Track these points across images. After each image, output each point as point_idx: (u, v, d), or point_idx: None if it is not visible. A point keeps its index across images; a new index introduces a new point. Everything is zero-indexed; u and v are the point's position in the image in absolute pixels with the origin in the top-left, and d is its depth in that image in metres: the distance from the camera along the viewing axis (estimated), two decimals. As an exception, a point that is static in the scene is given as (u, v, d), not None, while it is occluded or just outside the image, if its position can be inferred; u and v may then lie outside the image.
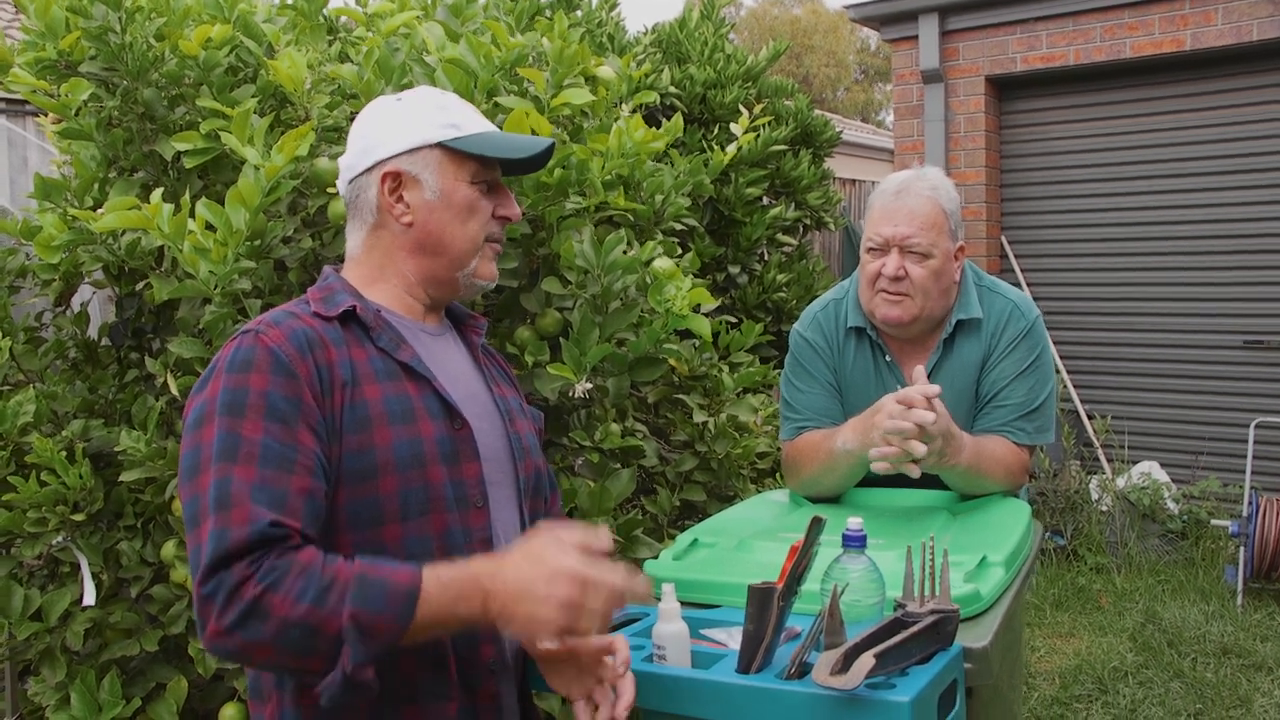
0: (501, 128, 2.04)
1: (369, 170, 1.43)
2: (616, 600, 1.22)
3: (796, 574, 1.32)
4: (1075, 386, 6.05)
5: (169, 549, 2.13)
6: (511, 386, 1.62)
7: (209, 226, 1.89)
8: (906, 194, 2.08)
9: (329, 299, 1.39)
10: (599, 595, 1.20)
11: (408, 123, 1.42)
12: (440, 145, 1.41)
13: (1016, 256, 6.28)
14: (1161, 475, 5.57)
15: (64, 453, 2.07)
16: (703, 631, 1.48)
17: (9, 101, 4.25)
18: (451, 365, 1.47)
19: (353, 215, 1.47)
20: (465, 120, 1.44)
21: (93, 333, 2.51)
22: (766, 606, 1.29)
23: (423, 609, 1.17)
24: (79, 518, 2.09)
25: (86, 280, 2.43)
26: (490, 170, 1.46)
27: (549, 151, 1.50)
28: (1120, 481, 5.54)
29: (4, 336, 2.16)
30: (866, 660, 1.17)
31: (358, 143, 1.45)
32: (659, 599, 1.41)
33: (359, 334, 1.37)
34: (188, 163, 2.09)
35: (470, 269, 1.46)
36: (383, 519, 1.30)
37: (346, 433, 1.29)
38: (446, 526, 1.34)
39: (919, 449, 1.81)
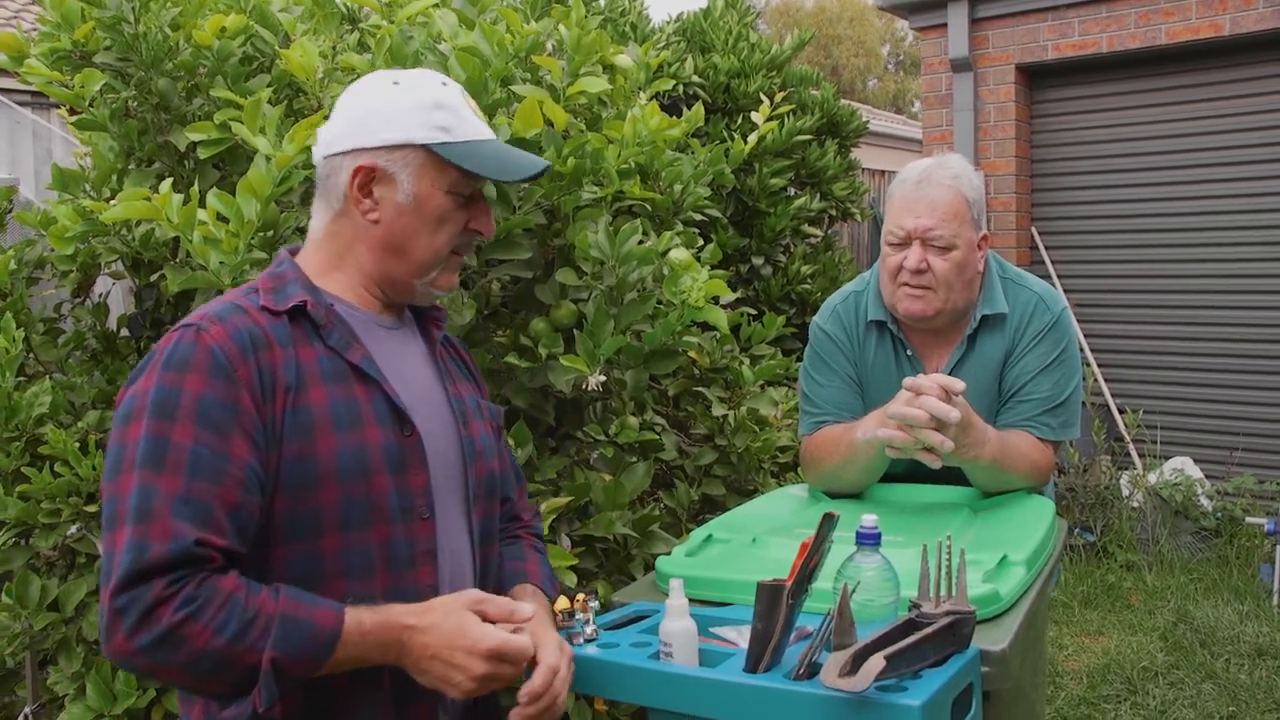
0: (514, 117, 2.02)
1: (345, 154, 1.34)
2: (550, 686, 1.28)
3: (807, 571, 1.29)
4: (1106, 380, 5.95)
5: (183, 540, 2.13)
6: (471, 382, 1.55)
7: (220, 217, 1.88)
8: (927, 184, 2.03)
9: (279, 290, 1.32)
10: (513, 668, 1.25)
11: (397, 114, 1.32)
12: (426, 147, 1.33)
13: (1047, 248, 6.18)
14: (1195, 471, 5.47)
15: (78, 443, 2.07)
16: (712, 629, 1.45)
17: (34, 94, 4.30)
18: (405, 364, 1.40)
19: (320, 193, 1.38)
20: (460, 123, 1.35)
21: (112, 324, 2.52)
22: (775, 604, 1.26)
23: (339, 653, 1.18)
24: (93, 509, 2.09)
25: (105, 271, 2.44)
26: (473, 181, 1.37)
27: (544, 171, 1.42)
28: (1152, 477, 5.44)
29: (20, 328, 2.16)
30: (876, 662, 1.14)
31: (341, 118, 1.36)
32: (668, 595, 1.38)
33: (308, 331, 1.30)
34: (202, 153, 2.08)
35: (430, 278, 1.39)
36: (321, 529, 1.25)
37: (287, 439, 1.23)
38: (389, 537, 1.29)
39: (932, 438, 1.77)
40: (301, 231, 2.16)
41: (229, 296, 1.32)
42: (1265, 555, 4.97)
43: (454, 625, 1.23)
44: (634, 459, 2.33)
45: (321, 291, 1.34)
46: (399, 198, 1.33)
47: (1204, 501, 5.31)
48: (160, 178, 2.23)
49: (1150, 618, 4.55)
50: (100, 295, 2.54)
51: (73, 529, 2.17)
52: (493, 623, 1.26)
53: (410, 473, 1.32)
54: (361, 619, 1.20)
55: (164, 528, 1.12)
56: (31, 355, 2.33)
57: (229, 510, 1.17)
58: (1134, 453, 5.78)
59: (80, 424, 2.18)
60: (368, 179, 1.33)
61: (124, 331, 2.50)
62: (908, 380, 1.84)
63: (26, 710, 2.40)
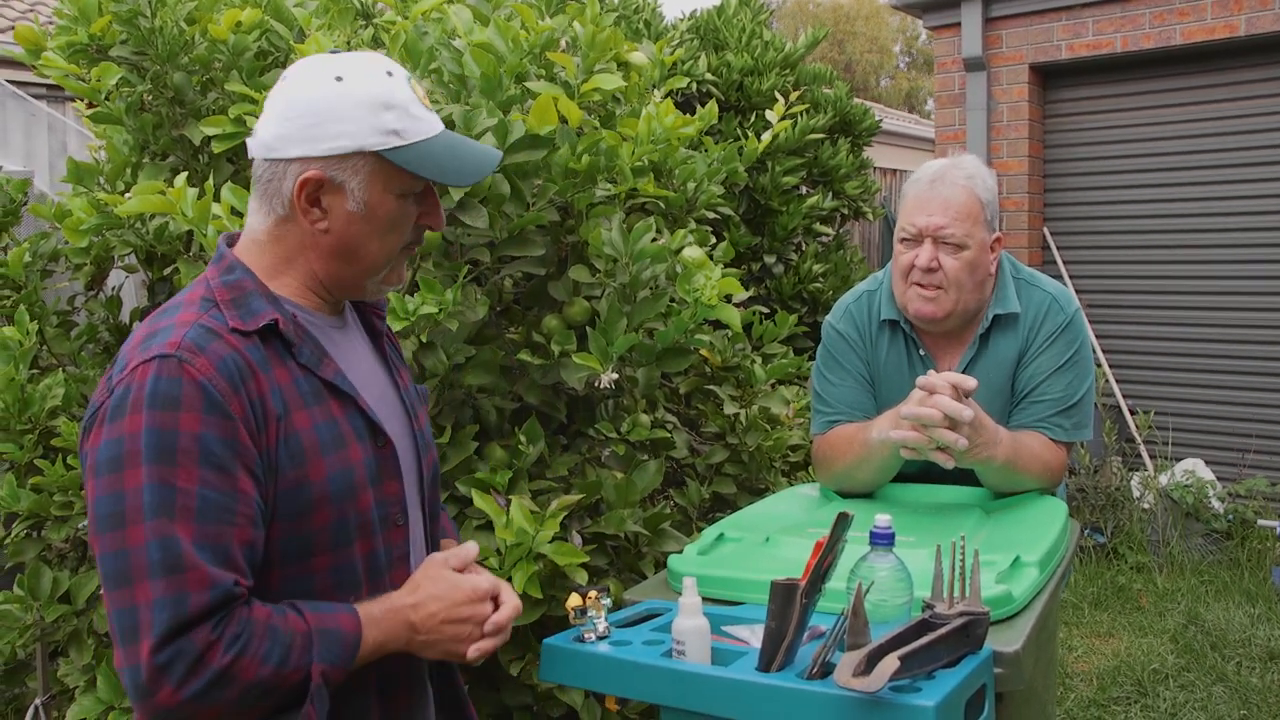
0: (528, 114, 2.01)
1: (289, 161, 1.24)
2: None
3: (821, 570, 1.29)
4: (1118, 381, 5.92)
5: (195, 534, 2.13)
6: (405, 367, 1.51)
7: (234, 211, 1.88)
8: (941, 183, 2.02)
9: (242, 304, 1.23)
10: (508, 617, 1.31)
11: (344, 120, 1.22)
12: (377, 154, 1.24)
13: (1059, 248, 6.15)
14: (1206, 473, 5.44)
15: (92, 436, 2.08)
16: (725, 628, 1.45)
17: (49, 87, 4.31)
18: (361, 366, 1.36)
19: (260, 194, 1.28)
20: (410, 123, 1.26)
21: (124, 317, 2.52)
22: (789, 603, 1.26)
23: (363, 650, 1.21)
24: (106, 501, 2.10)
25: (118, 264, 2.44)
26: (422, 179, 1.29)
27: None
28: (1163, 479, 5.41)
29: (34, 320, 2.17)
30: (890, 663, 1.13)
31: (281, 117, 1.24)
32: (680, 593, 1.38)
33: (279, 350, 1.23)
34: (216, 147, 2.09)
35: (380, 278, 1.33)
36: (313, 550, 1.23)
37: (282, 470, 1.19)
38: (371, 549, 1.29)
39: (946, 436, 1.77)
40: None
41: (189, 315, 1.21)
42: (1277, 558, 4.95)
43: (444, 588, 1.28)
44: (645, 457, 2.33)
45: (281, 300, 1.27)
46: (349, 206, 1.25)
47: (1215, 503, 5.28)
48: (174, 171, 2.24)
49: (1161, 620, 4.53)
50: (113, 289, 2.55)
51: (84, 521, 2.17)
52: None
53: (385, 483, 1.31)
54: (371, 611, 1.23)
55: (200, 576, 1.10)
56: (45, 348, 2.34)
57: (244, 548, 1.15)
58: (1145, 454, 5.76)
59: (93, 417, 2.18)
60: (316, 189, 1.24)
61: (136, 325, 2.51)
62: (921, 379, 1.83)
63: (37, 701, 2.42)
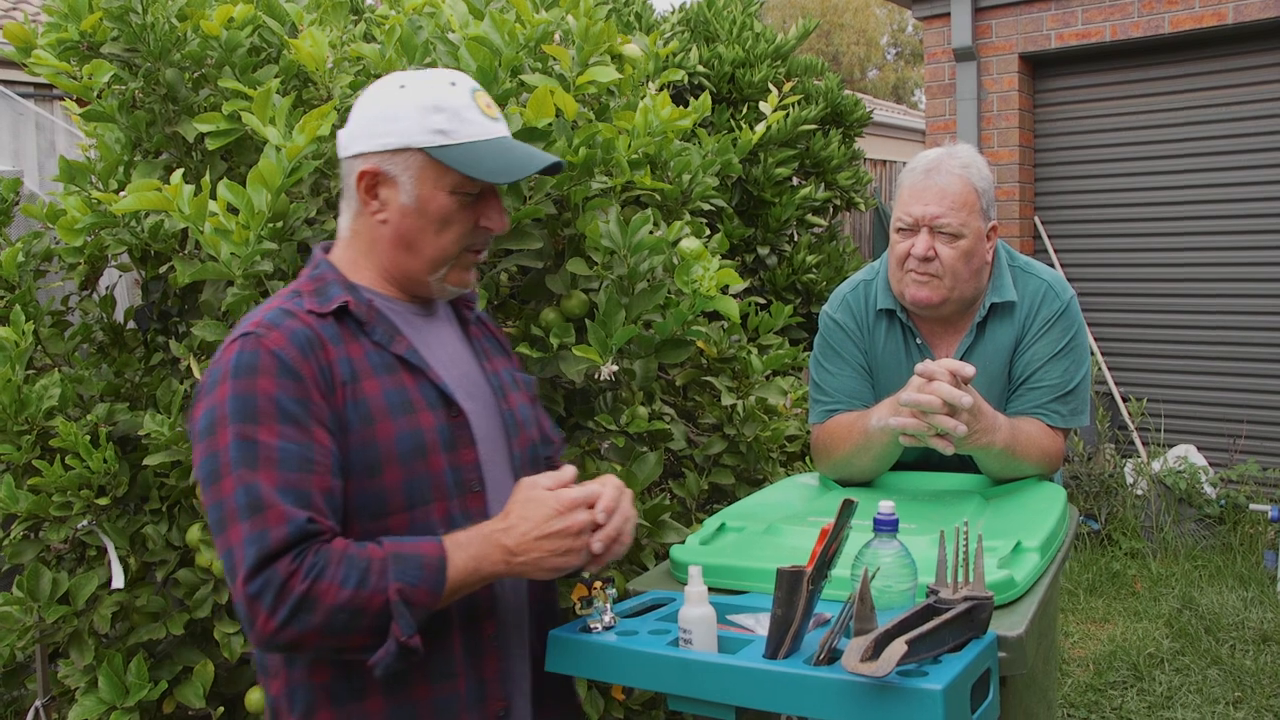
0: (525, 107, 2.01)
1: (354, 157, 1.39)
2: (619, 500, 1.37)
3: (826, 557, 1.29)
4: (1110, 369, 5.95)
5: (194, 533, 2.13)
6: (504, 356, 1.62)
7: (230, 208, 1.88)
8: (937, 172, 2.02)
9: (322, 292, 1.39)
10: (612, 499, 1.35)
11: (398, 118, 1.35)
12: (424, 151, 1.36)
13: (1050, 237, 6.17)
14: (1198, 459, 5.47)
15: (89, 437, 2.07)
16: (730, 617, 1.45)
17: (37, 86, 4.28)
18: (444, 349, 1.47)
19: (344, 194, 1.44)
20: (460, 126, 1.36)
21: (119, 316, 2.51)
22: (796, 590, 1.26)
23: (451, 574, 1.28)
24: (104, 502, 2.09)
25: (112, 264, 2.43)
26: (478, 180, 1.39)
27: (554, 167, 1.44)
28: (1156, 465, 5.44)
29: (29, 320, 2.15)
30: (898, 647, 1.14)
31: (353, 121, 1.41)
32: (685, 583, 1.38)
33: (353, 329, 1.37)
34: (210, 144, 2.08)
35: (441, 274, 1.44)
36: (388, 509, 1.33)
37: (351, 429, 1.32)
38: (448, 512, 1.37)
39: (945, 423, 1.78)
40: (310, 223, 2.16)
41: (275, 303, 1.38)
42: (1269, 542, 4.98)
43: (533, 507, 1.33)
44: (644, 449, 2.33)
45: (359, 288, 1.41)
46: (402, 199, 1.38)
47: (1208, 489, 5.32)
48: (168, 169, 2.23)
49: (1155, 605, 4.56)
50: (107, 288, 2.54)
51: (83, 522, 2.17)
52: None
53: (461, 450, 1.40)
54: (456, 537, 1.31)
55: (278, 514, 1.22)
56: (40, 348, 2.33)
57: (323, 494, 1.27)
58: (1138, 441, 5.79)
59: (89, 417, 2.18)
60: (373, 182, 1.38)
61: (131, 324, 2.50)
62: (919, 366, 1.84)
63: (37, 704, 2.41)
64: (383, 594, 1.23)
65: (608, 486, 1.37)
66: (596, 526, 1.34)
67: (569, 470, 1.40)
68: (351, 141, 1.39)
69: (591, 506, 1.34)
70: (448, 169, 1.36)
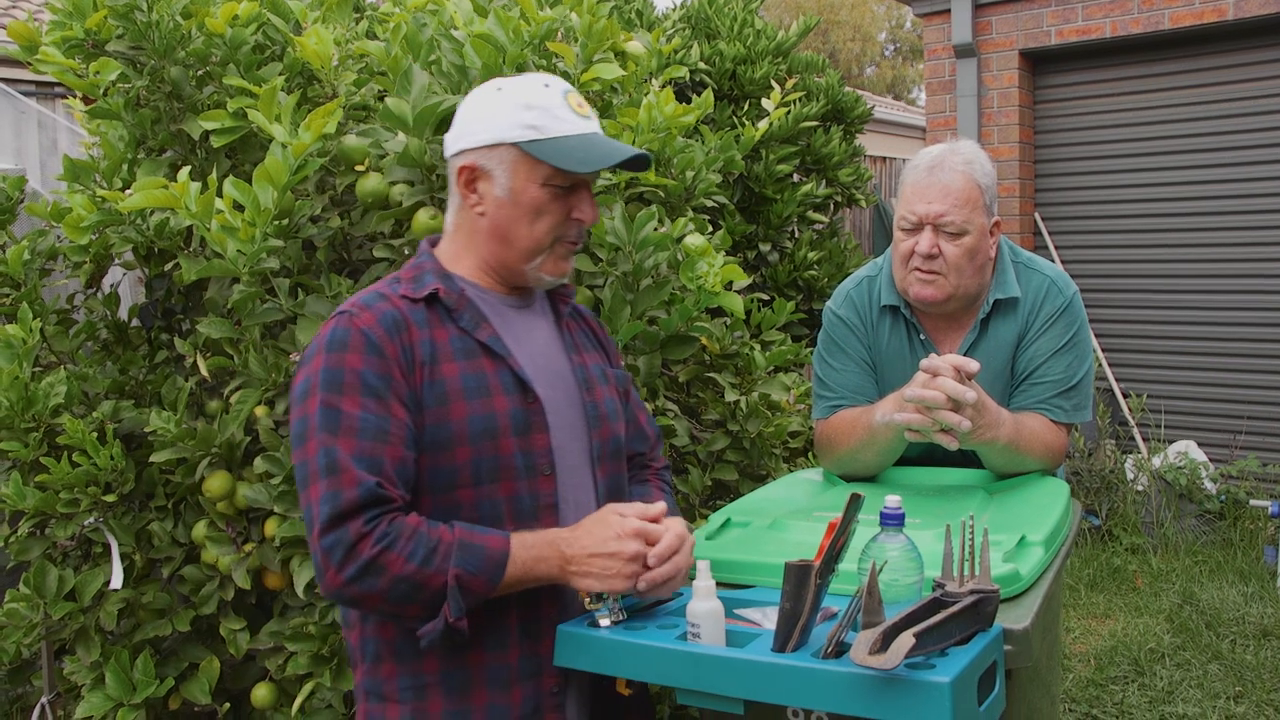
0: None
1: (454, 155, 1.52)
2: (678, 550, 1.44)
3: (834, 551, 1.30)
4: (1111, 364, 5.96)
5: (200, 530, 2.14)
6: (597, 350, 1.71)
7: (236, 205, 1.88)
8: (940, 169, 2.03)
9: (418, 279, 1.51)
10: (669, 546, 1.42)
11: (494, 117, 1.48)
12: (516, 145, 1.47)
13: (1051, 233, 6.18)
14: (1199, 454, 5.48)
15: (95, 434, 2.08)
16: (737, 611, 1.46)
17: (39, 84, 4.27)
18: (532, 339, 1.57)
19: (450, 192, 1.56)
20: (550, 122, 1.47)
21: (123, 314, 2.52)
22: (804, 584, 1.27)
23: (510, 569, 1.38)
24: (110, 498, 2.10)
25: (117, 262, 2.43)
26: (569, 174, 1.49)
27: (637, 160, 1.52)
28: (1156, 461, 5.45)
29: (35, 318, 2.16)
30: (906, 640, 1.14)
31: (456, 124, 1.53)
32: (693, 577, 1.39)
33: (442, 314, 1.49)
34: (215, 142, 2.08)
35: (536, 264, 1.53)
36: (456, 484, 1.44)
37: (427, 407, 1.42)
38: (515, 492, 1.47)
39: (950, 418, 1.78)
40: (315, 220, 2.16)
41: (375, 287, 1.51)
42: (1269, 538, 4.99)
43: (598, 526, 1.43)
44: (649, 445, 2.33)
45: (455, 278, 1.53)
46: (497, 192, 1.49)
47: (1208, 485, 5.32)
48: (173, 166, 2.23)
49: (1156, 600, 4.57)
50: (111, 286, 2.54)
51: (90, 519, 2.17)
52: None
53: (533, 435, 1.50)
54: (524, 538, 1.41)
55: (351, 477, 1.34)
56: (45, 345, 2.33)
57: (396, 464, 1.38)
58: (1138, 436, 5.80)
59: (95, 414, 2.18)
60: (471, 176, 1.50)
61: (135, 322, 2.50)
62: (924, 362, 1.84)
63: (43, 700, 2.41)
64: (443, 575, 1.34)
65: (670, 532, 1.45)
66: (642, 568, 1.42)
67: (659, 506, 1.48)
68: (454, 141, 1.52)
69: (653, 542, 1.43)
70: (538, 162, 1.47)
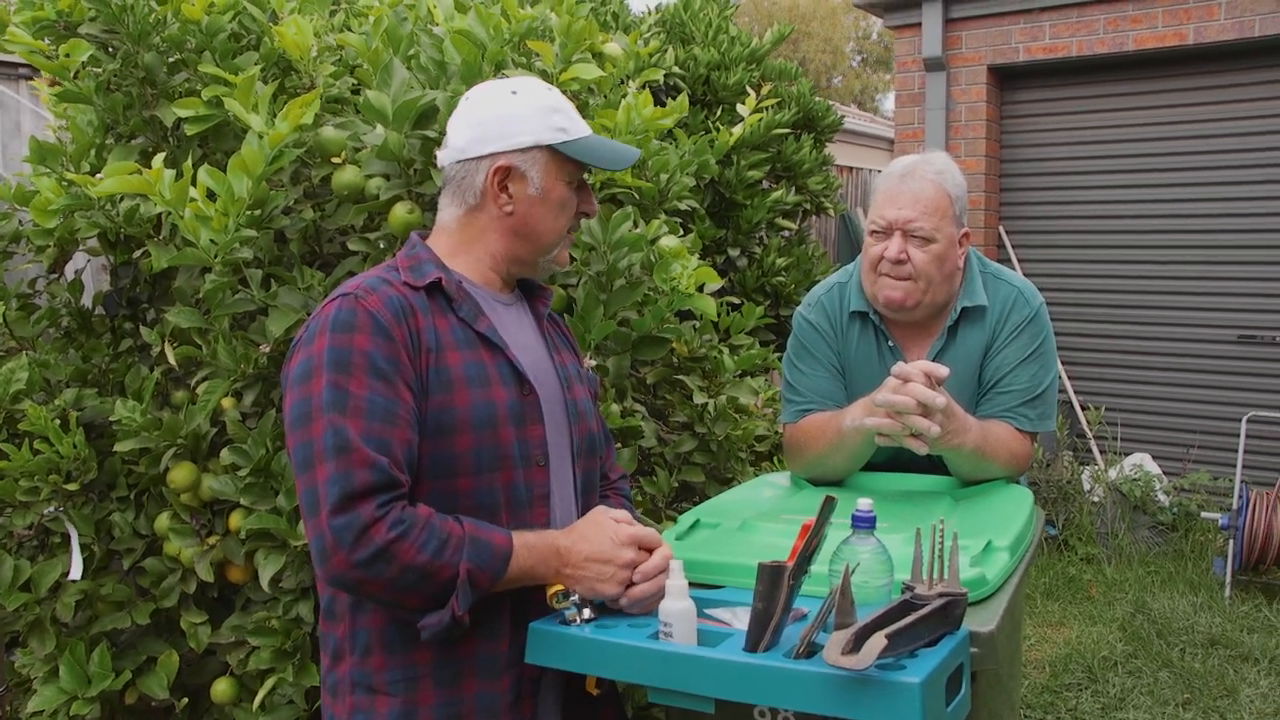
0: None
1: (480, 158, 1.54)
2: (663, 570, 1.46)
3: (808, 552, 1.31)
4: (1070, 377, 6.05)
5: (162, 521, 2.11)
6: (571, 353, 1.76)
7: (210, 194, 1.86)
8: (911, 177, 2.06)
9: (417, 268, 1.53)
10: (655, 567, 1.47)
11: (523, 120, 1.53)
12: (550, 147, 1.53)
13: (1014, 246, 6.27)
14: (1153, 467, 5.59)
15: (57, 421, 2.04)
16: (707, 611, 1.47)
17: (2, 65, 4.19)
18: (521, 334, 1.61)
19: (452, 191, 1.58)
20: (572, 123, 1.56)
21: (87, 301, 2.48)
22: (777, 585, 1.28)
23: (512, 566, 1.40)
24: (72, 487, 2.06)
25: (81, 248, 2.39)
26: (584, 170, 1.59)
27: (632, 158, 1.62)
28: (1112, 473, 5.55)
29: (-2, 302, 2.12)
30: (878, 640, 1.16)
31: (472, 128, 1.54)
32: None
33: (442, 304, 1.51)
34: (189, 130, 2.05)
35: (552, 255, 1.61)
36: (457, 471, 1.46)
37: (432, 392, 1.44)
38: (512, 481, 1.50)
39: (919, 423, 1.81)
40: (288, 211, 2.14)
41: (373, 273, 1.53)
42: (1218, 549, 5.10)
43: (595, 530, 1.48)
44: (617, 445, 2.34)
45: (452, 270, 1.55)
46: (530, 191, 1.54)
47: (1161, 497, 5.43)
48: (144, 153, 2.20)
49: (1109, 609, 4.65)
50: (75, 272, 2.50)
51: (50, 508, 2.13)
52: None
53: (529, 426, 1.53)
54: (525, 538, 1.44)
55: (363, 457, 1.34)
56: (6, 330, 2.29)
57: (403, 448, 1.39)
58: (1095, 449, 5.89)
59: (57, 401, 2.15)
60: (504, 177, 1.54)
61: (99, 309, 2.46)
62: (895, 368, 1.87)
63: (-6, 692, 2.37)
64: (453, 568, 1.35)
65: (657, 554, 1.49)
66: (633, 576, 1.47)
67: (651, 532, 1.52)
68: (476, 144, 1.53)
69: (647, 548, 1.48)
70: (567, 160, 1.55)
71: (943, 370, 1.85)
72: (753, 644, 1.29)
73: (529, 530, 1.47)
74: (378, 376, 1.39)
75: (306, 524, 1.37)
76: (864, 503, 1.36)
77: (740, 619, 1.40)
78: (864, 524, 1.35)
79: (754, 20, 23.80)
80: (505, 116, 1.53)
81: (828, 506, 1.31)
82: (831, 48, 27.70)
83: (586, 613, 1.44)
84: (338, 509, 1.32)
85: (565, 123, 1.55)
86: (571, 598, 1.44)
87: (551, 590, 1.45)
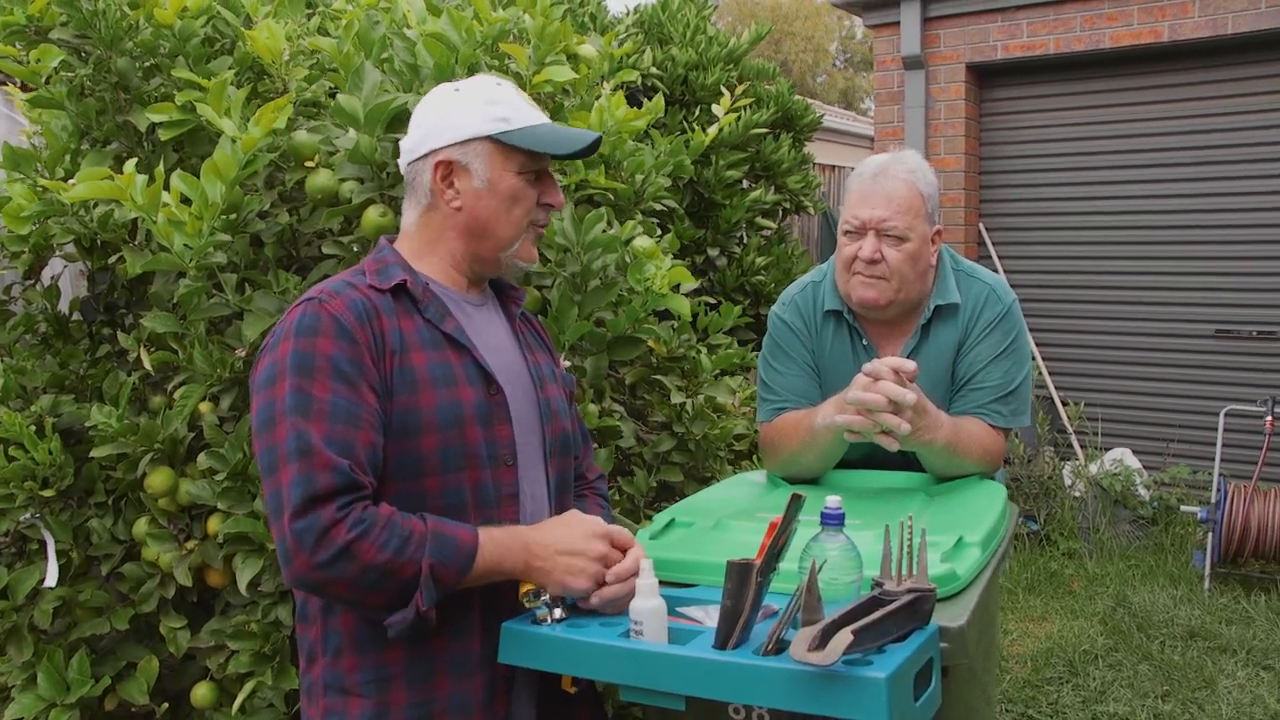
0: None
1: (424, 157, 1.54)
2: (635, 572, 1.45)
3: (775, 550, 1.32)
4: (1050, 373, 6.09)
5: (140, 526, 2.11)
6: (546, 352, 1.76)
7: (184, 199, 1.86)
8: (884, 177, 2.08)
9: (383, 271, 1.53)
10: (617, 553, 1.48)
11: (461, 114, 1.53)
12: (490, 138, 1.52)
13: (994, 244, 6.31)
14: (1133, 462, 5.63)
15: (33, 427, 2.04)
16: (679, 609, 1.48)
17: (-25, 71, 4.17)
18: (491, 334, 1.61)
19: (410, 194, 1.59)
20: (515, 113, 1.54)
21: (63, 307, 2.47)
22: (745, 582, 1.29)
23: (479, 561, 1.40)
24: (48, 493, 2.06)
25: (57, 253, 2.39)
26: (538, 161, 1.56)
27: (597, 142, 1.59)
28: (1093, 468, 5.59)
29: (-29, 309, 2.11)
30: (844, 637, 1.17)
31: (417, 129, 1.56)
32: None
33: (408, 305, 1.51)
34: (163, 135, 2.05)
35: (512, 251, 1.58)
36: (424, 472, 1.46)
37: (396, 394, 1.44)
38: (479, 481, 1.50)
39: (890, 420, 1.83)
40: (263, 216, 2.14)
41: (339, 277, 1.53)
42: (1198, 542, 5.14)
43: (564, 525, 1.49)
44: (595, 445, 2.35)
45: (418, 273, 1.55)
46: (475, 184, 1.53)
47: (1142, 491, 5.47)
48: (118, 158, 2.20)
49: (1090, 603, 4.68)
50: (51, 278, 2.49)
51: (26, 515, 2.13)
52: None
53: (496, 426, 1.54)
54: (492, 531, 1.44)
55: (325, 460, 1.34)
56: (-18, 338, 2.29)
57: (366, 450, 1.39)
58: (1076, 444, 5.93)
59: (33, 408, 2.14)
60: (447, 172, 1.53)
61: (76, 315, 2.46)
62: (866, 366, 1.88)
63: (-28, 700, 2.36)
64: (416, 565, 1.35)
65: (630, 556, 1.49)
66: (606, 570, 1.47)
67: (627, 534, 1.53)
68: (420, 144, 1.54)
69: (618, 546, 1.49)
70: (512, 150, 1.53)
71: (910, 365, 1.86)
72: (722, 641, 1.30)
73: (496, 526, 1.47)
74: (341, 380, 1.39)
75: (271, 527, 1.37)
76: (832, 500, 1.37)
77: (713, 617, 1.41)
78: (833, 521, 1.36)
79: (736, 20, 23.83)
80: (445, 113, 1.54)
81: (794, 505, 1.32)
82: (814, 47, 27.77)
83: (558, 612, 1.44)
84: (299, 512, 1.32)
85: (506, 113, 1.53)
86: (543, 597, 1.45)
87: (523, 589, 1.46)
